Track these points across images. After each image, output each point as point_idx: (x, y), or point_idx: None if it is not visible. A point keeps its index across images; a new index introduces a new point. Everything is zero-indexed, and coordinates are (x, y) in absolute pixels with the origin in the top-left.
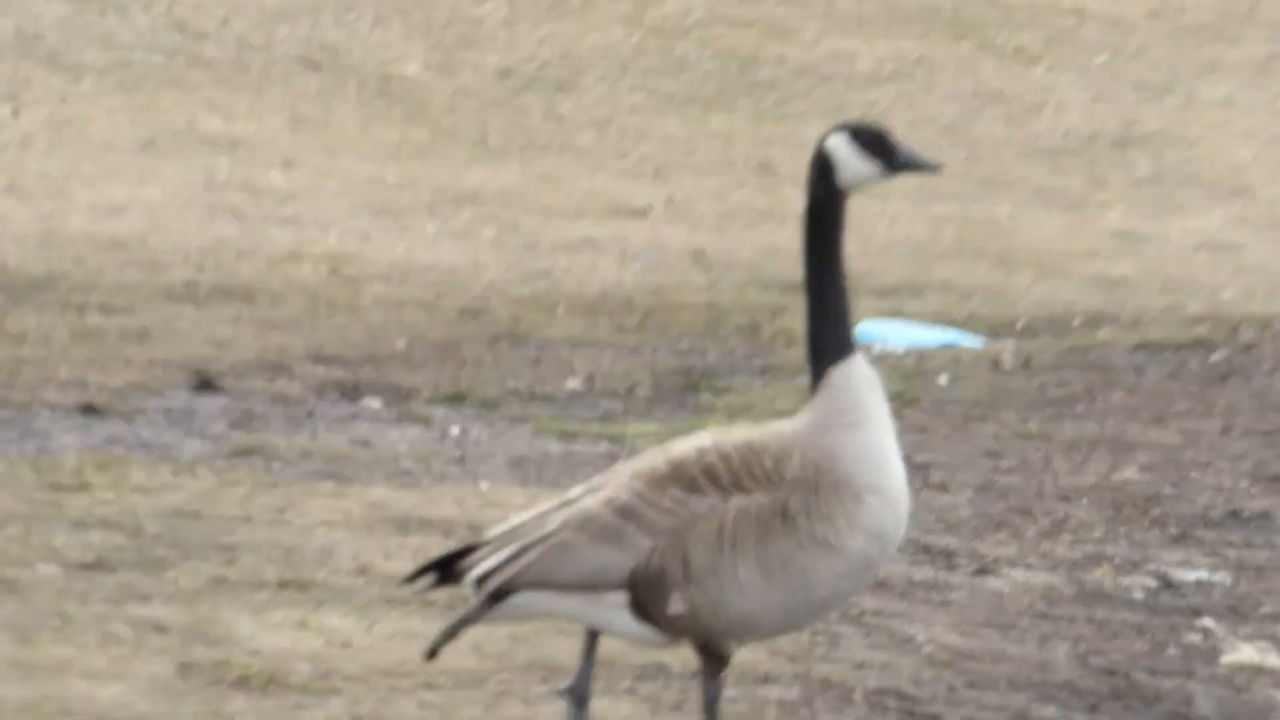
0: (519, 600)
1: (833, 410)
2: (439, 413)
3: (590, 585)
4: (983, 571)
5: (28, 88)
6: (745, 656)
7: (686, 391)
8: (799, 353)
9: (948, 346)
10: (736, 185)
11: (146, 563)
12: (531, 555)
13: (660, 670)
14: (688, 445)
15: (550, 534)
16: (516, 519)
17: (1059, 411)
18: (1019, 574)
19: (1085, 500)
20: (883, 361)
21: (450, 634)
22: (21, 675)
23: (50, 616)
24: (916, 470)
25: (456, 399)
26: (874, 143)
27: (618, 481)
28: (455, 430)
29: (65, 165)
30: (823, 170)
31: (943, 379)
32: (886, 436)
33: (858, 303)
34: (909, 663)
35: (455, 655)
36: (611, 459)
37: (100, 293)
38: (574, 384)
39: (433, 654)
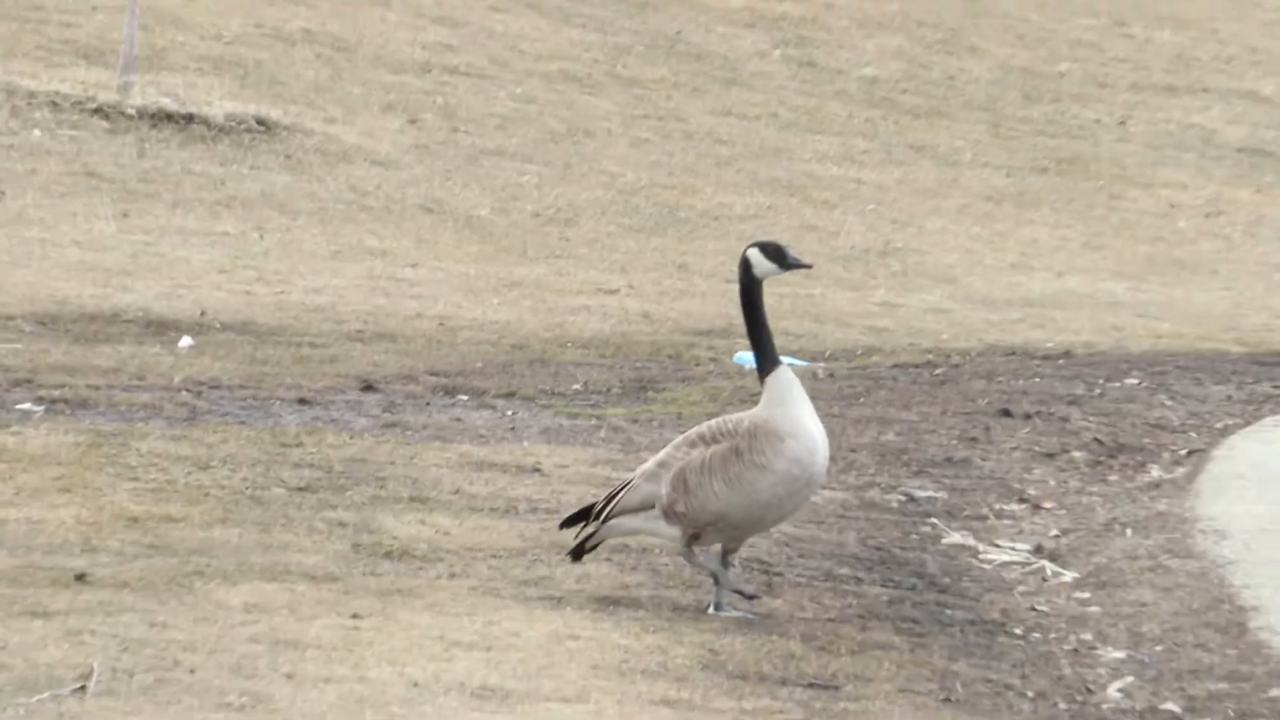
0: (614, 522)
1: (768, 399)
2: (500, 403)
3: (643, 507)
4: None
5: (267, 222)
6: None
7: (640, 391)
8: (703, 369)
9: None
10: (667, 277)
11: (334, 487)
12: (619, 496)
13: (625, 549)
14: (701, 425)
15: (627, 482)
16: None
17: (850, 402)
18: (828, 493)
19: (864, 451)
20: (750, 375)
21: (582, 544)
22: (263, 550)
23: (279, 517)
24: None
25: (510, 395)
26: (774, 252)
27: (665, 450)
28: (510, 413)
29: (288, 266)
30: (746, 268)
31: None
32: (800, 408)
33: (733, 344)
34: (766, 543)
35: (505, 539)
36: (598, 429)
37: (309, 336)
38: (577, 387)
39: (576, 558)
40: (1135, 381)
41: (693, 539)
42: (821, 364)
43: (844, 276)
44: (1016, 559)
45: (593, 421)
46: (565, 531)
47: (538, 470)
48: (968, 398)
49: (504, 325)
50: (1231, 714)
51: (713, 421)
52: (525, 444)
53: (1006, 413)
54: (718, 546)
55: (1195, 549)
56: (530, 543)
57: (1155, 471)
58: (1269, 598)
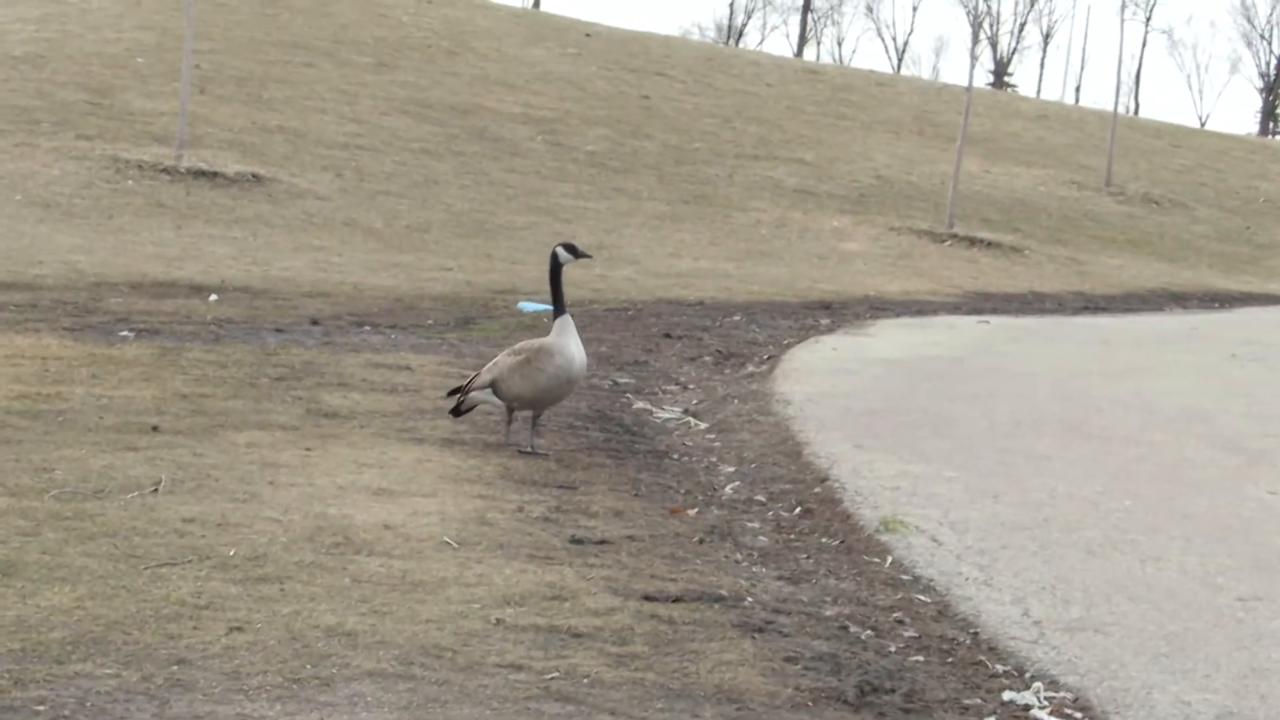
0: (472, 395)
1: (553, 331)
2: (388, 330)
3: (484, 387)
4: None
5: (258, 231)
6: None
7: (465, 324)
8: (499, 312)
9: (547, 310)
10: (480, 261)
11: (296, 378)
12: (473, 379)
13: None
14: (518, 343)
15: (479, 373)
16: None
17: (583, 329)
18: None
19: (591, 357)
20: (526, 316)
21: (458, 407)
22: (256, 413)
23: (265, 394)
24: None
25: (393, 326)
26: (570, 248)
27: (499, 355)
28: (393, 336)
29: (269, 255)
30: (555, 258)
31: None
32: (568, 339)
33: (516, 298)
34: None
35: (390, 406)
36: (441, 345)
37: (281, 294)
38: (430, 321)
39: (456, 414)
40: (739, 318)
41: (510, 409)
42: (576, 309)
43: (579, 261)
44: (674, 416)
45: (438, 341)
46: (443, 401)
47: (408, 368)
48: (646, 327)
49: (390, 288)
50: (793, 500)
51: (521, 342)
52: (401, 353)
53: (668, 335)
54: (529, 413)
55: (772, 410)
56: (404, 408)
57: (750, 367)
58: (813, 437)
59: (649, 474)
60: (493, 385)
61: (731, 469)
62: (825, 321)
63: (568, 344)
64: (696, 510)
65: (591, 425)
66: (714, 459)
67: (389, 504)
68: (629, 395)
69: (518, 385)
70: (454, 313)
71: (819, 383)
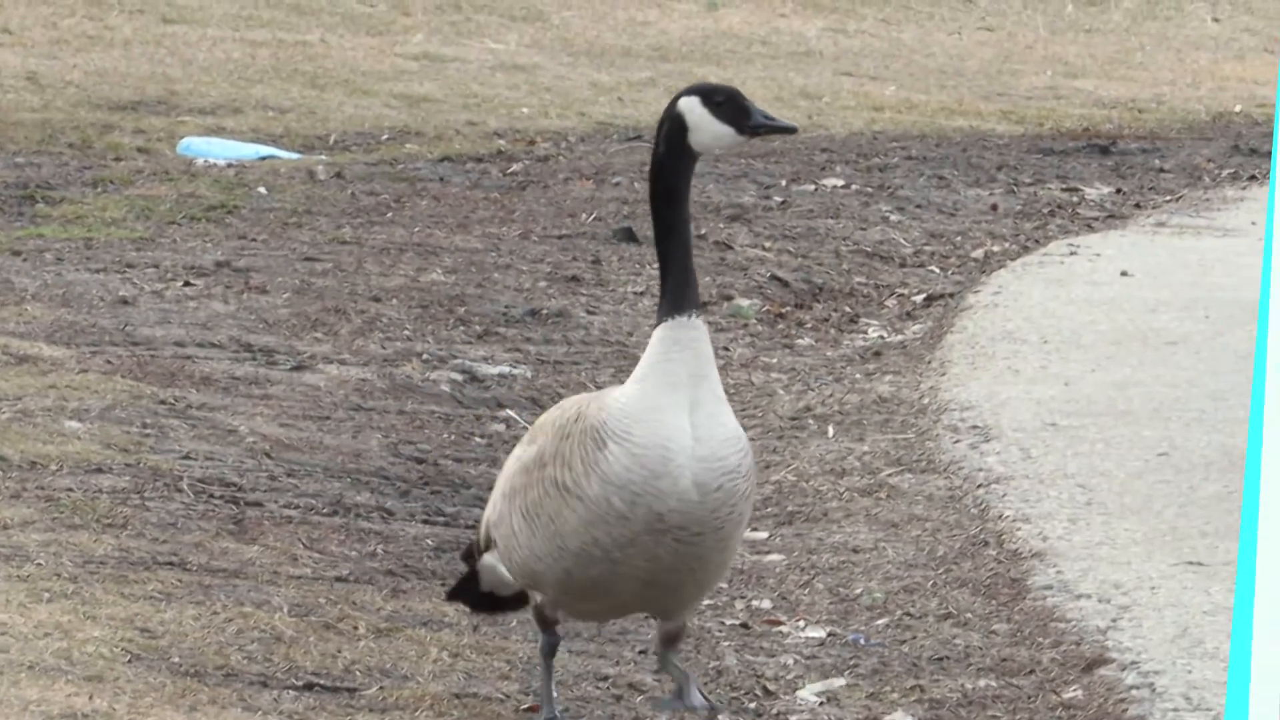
0: (485, 563)
1: (639, 366)
2: None
3: (484, 543)
4: (300, 367)
5: None
6: (78, 447)
7: (24, 202)
8: (128, 165)
9: (266, 159)
10: (67, 14)
11: None
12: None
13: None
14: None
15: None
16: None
17: (370, 219)
18: (334, 369)
19: (395, 300)
20: (205, 174)
21: (474, 586)
22: None
23: None
24: (237, 274)
25: None
26: (728, 107)
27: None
28: None
29: None
30: (677, 129)
31: (261, 189)
32: (664, 395)
33: (175, 123)
34: (233, 453)
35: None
36: None
37: None
38: None
39: (475, 607)
40: (839, 183)
41: (537, 609)
42: (322, 156)
43: (358, 12)
44: None
45: None
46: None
47: None
48: (564, 210)
49: None
50: None
51: (567, 399)
52: None
53: (628, 234)
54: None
55: (940, 457)
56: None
57: (873, 330)
58: (1061, 537)
59: (573, 646)
60: (490, 536)
61: (819, 633)
62: (1096, 191)
63: (655, 407)
64: None
65: (400, 500)
66: (764, 603)
67: None
68: (509, 413)
69: (522, 538)
70: None
71: (1072, 373)
